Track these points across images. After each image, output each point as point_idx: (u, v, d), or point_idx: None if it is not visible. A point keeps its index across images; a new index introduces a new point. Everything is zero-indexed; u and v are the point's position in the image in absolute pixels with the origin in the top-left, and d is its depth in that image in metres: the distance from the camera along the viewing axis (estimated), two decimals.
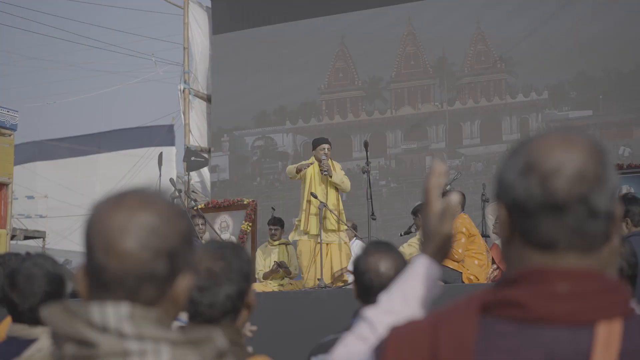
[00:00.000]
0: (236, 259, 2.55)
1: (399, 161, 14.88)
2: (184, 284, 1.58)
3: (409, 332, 1.48)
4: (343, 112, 15.42)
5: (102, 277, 1.51)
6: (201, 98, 16.16)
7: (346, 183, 9.85)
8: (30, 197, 31.06)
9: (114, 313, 1.45)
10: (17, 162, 32.37)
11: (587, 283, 1.39)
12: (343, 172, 9.96)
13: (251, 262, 2.63)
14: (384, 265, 3.15)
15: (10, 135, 13.53)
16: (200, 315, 2.50)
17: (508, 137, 14.09)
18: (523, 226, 1.43)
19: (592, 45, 13.55)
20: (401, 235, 10.47)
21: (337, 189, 9.98)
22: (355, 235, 10.94)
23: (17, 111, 13.68)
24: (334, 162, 10.13)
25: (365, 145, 10.01)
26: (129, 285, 1.50)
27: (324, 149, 9.95)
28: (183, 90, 15.74)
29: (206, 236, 12.54)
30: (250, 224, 13.21)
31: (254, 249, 12.48)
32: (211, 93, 16.32)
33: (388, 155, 14.96)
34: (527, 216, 1.42)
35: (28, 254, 3.30)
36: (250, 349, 3.05)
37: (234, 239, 13.23)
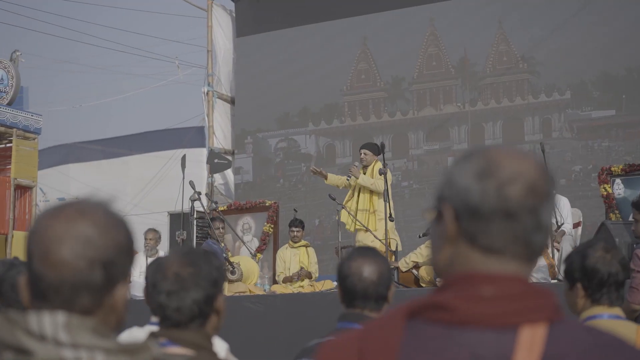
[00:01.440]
0: (206, 265, 2.60)
1: (421, 162, 14.86)
2: (121, 293, 1.62)
3: (338, 343, 1.52)
4: (365, 114, 15.43)
5: (40, 286, 1.56)
6: (225, 100, 16.24)
7: (376, 184, 10.01)
8: (62, 199, 31.38)
9: (50, 322, 1.49)
10: (50, 164, 32.73)
11: (512, 287, 1.42)
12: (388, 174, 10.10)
13: (223, 269, 2.68)
14: (366, 270, 3.18)
15: (34, 139, 13.68)
16: (168, 319, 2.56)
17: (530, 137, 14.03)
18: (472, 229, 1.46)
19: (615, 44, 13.44)
20: (420, 237, 10.47)
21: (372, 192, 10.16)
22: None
23: (40, 115, 13.84)
24: (379, 163, 10.21)
25: (382, 147, 10.04)
26: (65, 294, 1.54)
27: (360, 154, 10.39)
28: (207, 93, 15.83)
29: (227, 238, 12.62)
30: (272, 226, 13.24)
31: (275, 251, 12.52)
32: (234, 95, 16.40)
33: (410, 156, 14.95)
34: (479, 220, 1.45)
35: (13, 262, 3.34)
36: (227, 352, 3.08)
37: (256, 240, 13.28)
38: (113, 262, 1.58)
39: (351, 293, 3.19)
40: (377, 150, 10.38)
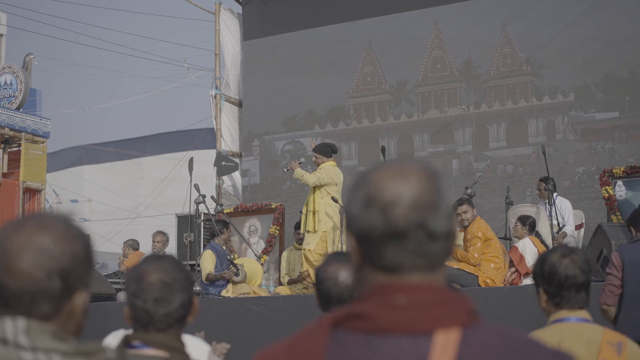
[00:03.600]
0: (181, 270, 2.73)
1: None
2: (80, 300, 1.74)
3: (271, 352, 1.63)
4: (371, 116, 15.51)
5: (3, 294, 1.69)
6: (232, 103, 16.31)
7: (305, 177, 10.59)
8: (74, 201, 31.57)
9: (11, 327, 1.62)
10: (63, 166, 32.88)
11: (425, 295, 1.52)
12: (323, 172, 10.57)
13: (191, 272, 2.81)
14: (342, 274, 3.29)
15: (43, 143, 13.85)
16: (154, 325, 2.66)
17: (534, 139, 14.07)
18: (370, 253, 1.56)
19: (619, 46, 13.47)
20: None
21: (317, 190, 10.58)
22: None
23: (49, 119, 13.99)
24: (330, 162, 10.67)
25: (382, 150, 10.20)
26: (26, 302, 1.67)
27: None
28: (214, 96, 15.92)
29: (234, 240, 12.75)
30: (278, 228, 13.36)
31: (281, 253, 12.62)
32: (242, 98, 16.51)
33: (415, 158, 14.98)
34: (372, 245, 1.54)
35: None
36: (210, 353, 3.21)
37: (262, 242, 13.40)
38: (70, 272, 1.70)
39: (327, 297, 3.31)
40: (327, 152, 10.70)
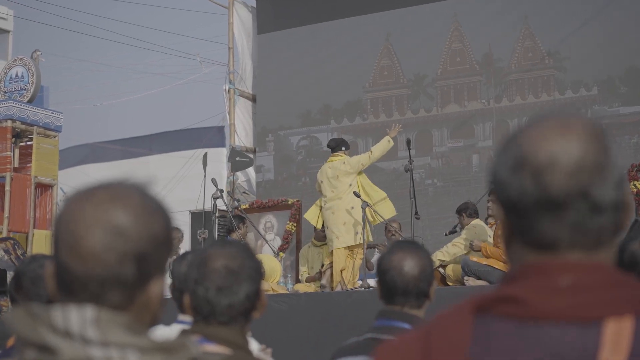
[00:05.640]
0: (250, 257, 2.45)
1: (445, 160, 14.71)
2: (156, 289, 1.45)
3: (399, 344, 1.38)
4: (388, 111, 15.29)
5: (66, 278, 1.40)
6: (246, 98, 16.17)
7: None
8: None
9: (78, 317, 1.32)
10: (69, 164, 32.83)
11: (593, 276, 1.26)
12: None
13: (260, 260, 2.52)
14: (408, 264, 3.03)
15: (55, 137, 13.69)
16: (216, 317, 2.38)
17: None
18: (520, 226, 1.31)
19: None
20: (446, 234, 10.34)
21: None
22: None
23: (61, 113, 13.86)
24: None
25: (408, 143, 9.99)
26: (93, 290, 1.38)
27: None
28: (228, 91, 15.75)
29: (250, 236, 12.53)
30: (295, 224, 13.17)
31: (298, 249, 12.46)
32: (256, 93, 16.30)
33: (434, 153, 14.81)
34: (523, 216, 1.30)
35: (35, 256, 3.28)
36: (258, 352, 2.94)
37: (278, 239, 13.21)
38: (147, 256, 1.40)
39: (391, 288, 3.04)
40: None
